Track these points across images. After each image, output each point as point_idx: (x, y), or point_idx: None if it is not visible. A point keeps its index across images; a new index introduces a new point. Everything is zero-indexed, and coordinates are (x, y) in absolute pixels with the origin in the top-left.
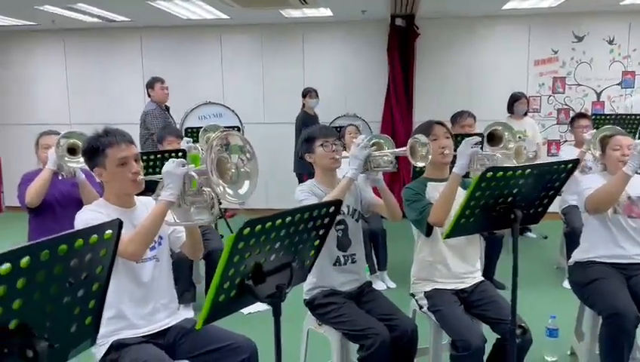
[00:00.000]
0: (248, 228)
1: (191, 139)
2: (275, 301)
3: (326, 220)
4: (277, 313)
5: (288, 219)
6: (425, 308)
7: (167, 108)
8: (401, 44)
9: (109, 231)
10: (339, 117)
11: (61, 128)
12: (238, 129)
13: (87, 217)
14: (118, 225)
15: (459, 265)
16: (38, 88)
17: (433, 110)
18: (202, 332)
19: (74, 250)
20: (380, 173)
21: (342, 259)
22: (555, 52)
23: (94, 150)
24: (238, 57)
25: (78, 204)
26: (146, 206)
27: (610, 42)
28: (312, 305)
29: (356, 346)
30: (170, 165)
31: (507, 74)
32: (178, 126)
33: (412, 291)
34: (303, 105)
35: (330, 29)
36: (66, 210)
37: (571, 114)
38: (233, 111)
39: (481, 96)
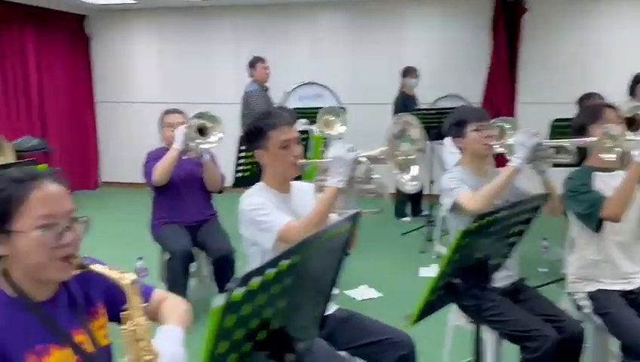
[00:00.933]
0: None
1: (307, 120)
2: None
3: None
4: None
5: None
6: (587, 310)
7: (266, 89)
8: (507, 20)
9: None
10: (441, 97)
11: (154, 107)
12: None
13: (256, 201)
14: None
15: (627, 264)
16: (133, 67)
17: (540, 91)
18: (360, 324)
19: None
20: (548, 165)
21: None
22: None
23: (257, 131)
24: (330, 35)
25: (201, 185)
26: (301, 191)
27: None
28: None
29: (509, 345)
30: (339, 149)
31: (629, 52)
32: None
33: (570, 290)
34: (402, 85)
35: (429, 4)
36: (189, 190)
37: None
38: (332, 91)
39: (594, 77)
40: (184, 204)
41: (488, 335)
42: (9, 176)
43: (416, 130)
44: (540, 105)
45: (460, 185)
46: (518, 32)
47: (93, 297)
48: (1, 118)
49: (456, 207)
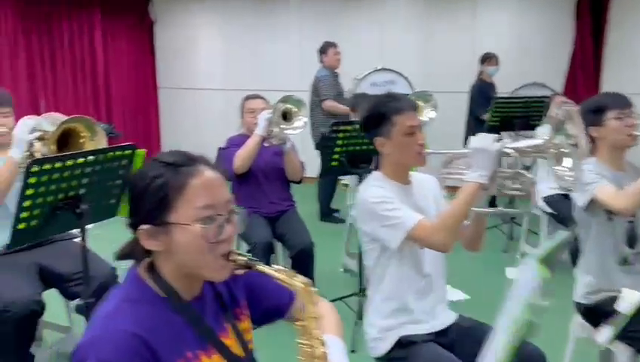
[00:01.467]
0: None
1: None
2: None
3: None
4: None
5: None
6: None
7: (337, 75)
8: (593, 8)
9: None
10: (523, 86)
11: (216, 93)
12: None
13: (381, 194)
14: None
15: None
16: (195, 52)
17: (625, 83)
18: (484, 335)
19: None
20: None
21: (630, 258)
22: None
23: (380, 116)
24: (398, 22)
25: (281, 174)
26: (421, 183)
27: None
28: (593, 312)
29: None
30: (482, 140)
31: None
32: (350, 94)
33: None
34: (480, 72)
35: None
36: (269, 179)
37: None
38: (406, 78)
39: None
40: (263, 193)
41: (622, 351)
42: (163, 160)
43: (574, 125)
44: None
45: (599, 179)
46: (604, 17)
47: (238, 297)
48: (70, 102)
49: (593, 205)
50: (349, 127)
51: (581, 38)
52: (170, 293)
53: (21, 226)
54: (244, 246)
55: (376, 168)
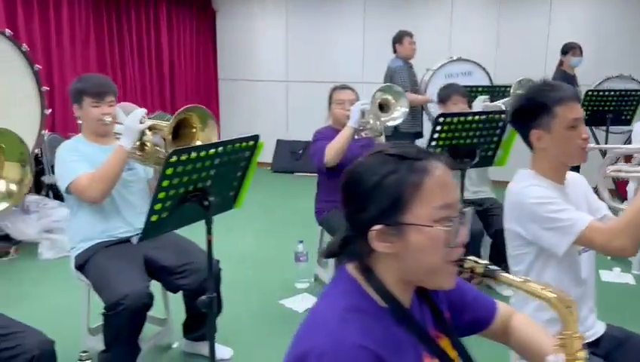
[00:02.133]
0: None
1: (487, 97)
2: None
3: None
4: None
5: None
6: None
7: (411, 65)
8: None
9: None
10: (606, 79)
11: (276, 85)
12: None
13: (545, 194)
14: None
15: None
16: (256, 43)
17: None
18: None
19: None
20: None
21: None
22: None
23: (538, 107)
24: (469, 9)
25: None
26: (574, 182)
27: None
28: None
29: None
30: None
31: None
32: (424, 85)
33: None
34: (561, 62)
35: None
36: None
37: None
38: (484, 68)
39: None
40: None
41: None
42: (394, 153)
43: None
44: None
45: None
46: None
47: (441, 309)
48: (137, 93)
49: None
50: (453, 120)
51: None
52: (392, 302)
53: (154, 218)
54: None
55: (477, 164)
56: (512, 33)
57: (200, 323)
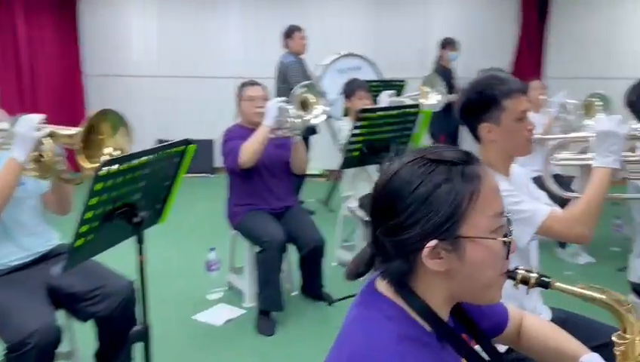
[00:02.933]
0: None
1: (394, 92)
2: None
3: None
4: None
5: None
6: None
7: (302, 61)
8: None
9: None
10: (482, 71)
11: (151, 81)
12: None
13: (507, 187)
14: None
15: None
16: (126, 36)
17: (567, 66)
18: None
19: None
20: None
21: None
22: None
23: (489, 100)
24: (348, 9)
25: (286, 168)
26: (517, 175)
27: None
28: None
29: None
30: (608, 123)
31: None
32: (317, 80)
33: None
34: (440, 57)
35: None
36: (273, 173)
37: None
38: (374, 64)
39: (621, 54)
40: (269, 189)
41: None
42: (442, 159)
43: None
44: (567, 80)
45: None
46: (547, 8)
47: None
48: None
49: None
50: (372, 115)
51: (526, 27)
52: (440, 326)
53: (79, 243)
54: (245, 249)
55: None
56: (390, 31)
57: (115, 351)
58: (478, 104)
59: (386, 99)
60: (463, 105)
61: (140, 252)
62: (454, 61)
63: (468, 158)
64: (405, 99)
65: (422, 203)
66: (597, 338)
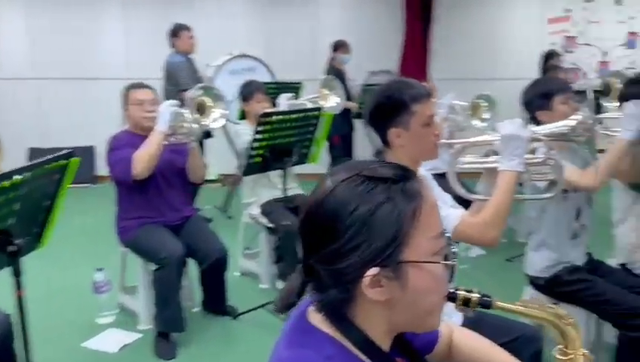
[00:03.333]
0: None
1: (293, 95)
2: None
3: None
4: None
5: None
6: None
7: (191, 61)
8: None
9: None
10: (373, 73)
11: (15, 83)
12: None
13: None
14: None
15: None
16: None
17: (452, 68)
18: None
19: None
20: None
21: (578, 231)
22: (568, 11)
23: (397, 105)
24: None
25: (182, 175)
26: (427, 180)
27: (618, 3)
28: (554, 282)
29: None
30: (511, 126)
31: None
32: (208, 81)
33: (626, 261)
34: (332, 59)
35: None
36: (169, 182)
37: (580, 74)
38: (267, 66)
39: (505, 53)
40: (165, 199)
41: (583, 318)
42: (379, 176)
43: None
44: (454, 81)
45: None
46: (431, 8)
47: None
48: None
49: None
50: (274, 119)
51: (411, 27)
52: (382, 358)
53: None
54: (138, 267)
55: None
56: (280, 32)
57: None
58: (388, 108)
59: (285, 102)
60: (373, 109)
61: (18, 286)
62: (347, 63)
63: (406, 174)
64: (305, 102)
65: (362, 225)
66: (507, 335)
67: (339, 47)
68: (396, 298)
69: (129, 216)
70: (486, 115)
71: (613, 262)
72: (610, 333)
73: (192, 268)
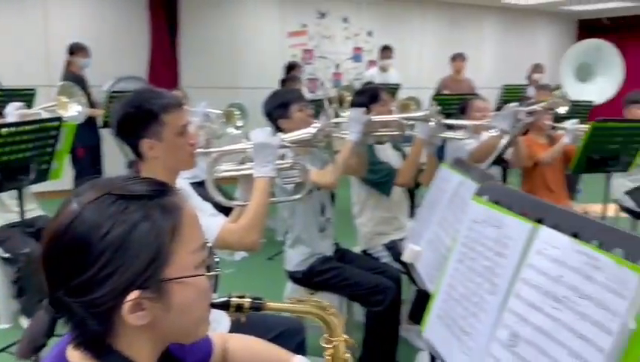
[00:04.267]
0: None
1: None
2: None
3: None
4: None
5: None
6: (386, 259)
7: None
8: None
9: None
10: (121, 79)
11: None
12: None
13: None
14: None
15: (402, 218)
16: None
17: (201, 76)
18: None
19: None
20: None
21: (324, 225)
22: (304, 26)
23: (148, 115)
24: None
25: None
26: (185, 190)
27: (345, 21)
28: (310, 274)
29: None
30: (261, 135)
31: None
32: None
33: (365, 247)
34: (69, 63)
35: None
36: None
37: (318, 84)
38: None
39: (252, 64)
40: None
41: (336, 302)
42: (132, 193)
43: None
44: (204, 89)
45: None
46: (177, 14)
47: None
48: None
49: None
50: (3, 132)
51: (157, 32)
52: None
53: None
54: None
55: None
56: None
57: None
58: (137, 119)
59: (14, 111)
60: (120, 120)
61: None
62: (87, 68)
63: (163, 189)
64: (40, 112)
65: (117, 249)
66: (273, 331)
67: (77, 50)
68: (160, 317)
69: None
70: (240, 123)
71: (357, 249)
72: (360, 313)
73: None
